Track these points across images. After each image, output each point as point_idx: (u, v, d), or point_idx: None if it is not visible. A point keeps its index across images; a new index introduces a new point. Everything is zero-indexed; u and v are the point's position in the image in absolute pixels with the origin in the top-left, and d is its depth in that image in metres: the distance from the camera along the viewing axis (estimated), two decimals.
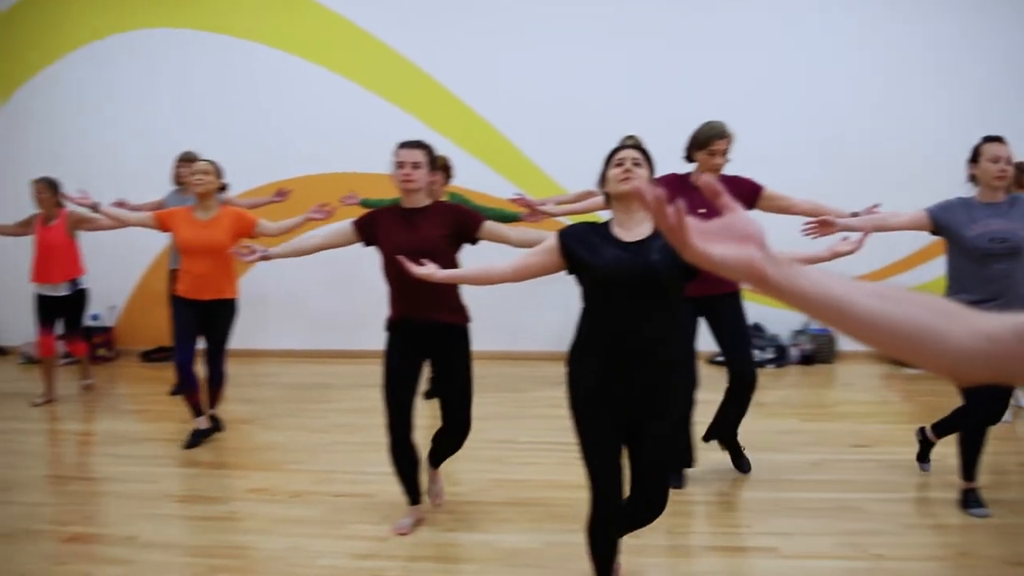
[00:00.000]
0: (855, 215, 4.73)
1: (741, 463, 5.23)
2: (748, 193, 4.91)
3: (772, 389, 5.83)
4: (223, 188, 5.87)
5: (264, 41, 8.70)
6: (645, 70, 8.22)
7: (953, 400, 6.62)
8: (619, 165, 3.28)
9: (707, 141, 4.82)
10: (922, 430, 5.17)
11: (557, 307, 8.19)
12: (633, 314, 3.16)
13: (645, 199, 1.18)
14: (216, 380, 6.06)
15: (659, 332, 3.20)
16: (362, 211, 4.64)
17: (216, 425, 6.20)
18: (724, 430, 5.19)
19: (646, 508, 3.38)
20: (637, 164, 3.27)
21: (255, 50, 8.71)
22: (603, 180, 3.36)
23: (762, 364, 7.83)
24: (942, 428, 5.03)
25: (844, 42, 8.10)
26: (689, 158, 4.92)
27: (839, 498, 4.82)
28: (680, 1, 8.25)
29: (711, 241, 1.21)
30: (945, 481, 4.97)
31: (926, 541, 4.29)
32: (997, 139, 4.46)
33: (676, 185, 4.77)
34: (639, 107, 7.92)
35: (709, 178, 1.17)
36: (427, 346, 4.37)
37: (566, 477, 5.02)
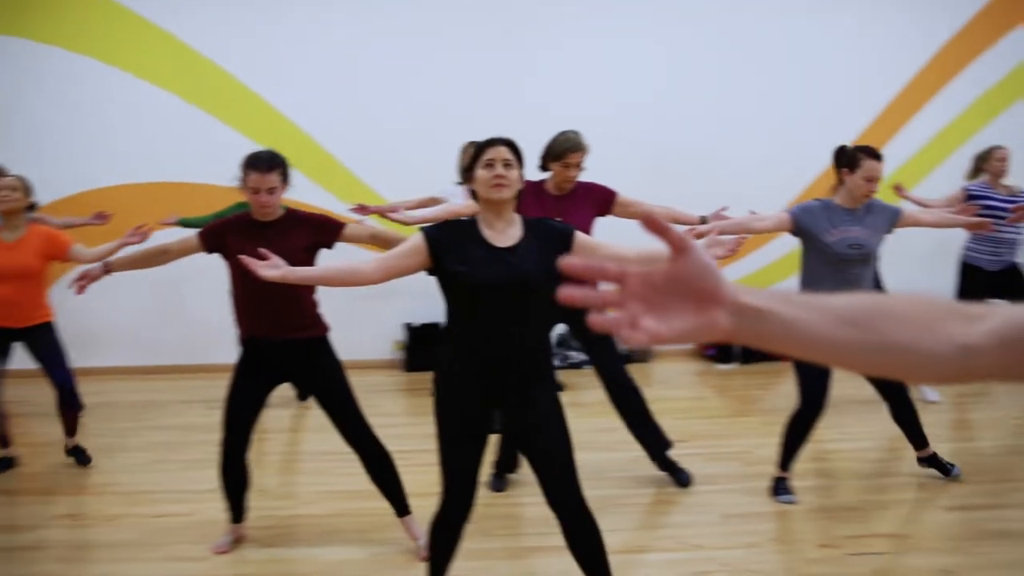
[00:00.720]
0: (703, 220, 4.78)
1: (679, 477, 5.09)
2: (603, 200, 4.87)
3: (591, 389, 5.95)
4: (32, 207, 5.47)
5: (59, 43, 8.26)
6: (466, 72, 8.20)
7: (767, 392, 6.94)
8: (489, 166, 3.13)
9: (562, 153, 4.76)
10: (920, 460, 5.17)
11: (381, 317, 8.15)
12: (503, 320, 3.10)
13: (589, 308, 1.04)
14: (67, 403, 5.55)
15: (529, 339, 3.17)
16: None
17: (80, 457, 5.76)
18: (652, 449, 5.12)
19: (568, 517, 3.31)
20: (508, 165, 3.14)
21: (49, 53, 8.25)
22: (469, 175, 3.22)
23: (579, 365, 7.96)
24: (915, 439, 5.09)
25: (663, 47, 8.34)
26: (544, 167, 4.87)
27: (658, 492, 4.96)
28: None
29: (665, 314, 1.05)
30: (760, 472, 5.18)
31: (743, 529, 4.46)
32: (878, 157, 4.57)
33: (531, 193, 4.67)
34: (462, 112, 7.90)
35: (648, 209, 1.08)
36: (283, 366, 4.17)
37: None
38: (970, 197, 6.47)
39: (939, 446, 5.21)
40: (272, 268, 3.29)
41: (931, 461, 5.14)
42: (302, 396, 7.05)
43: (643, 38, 8.27)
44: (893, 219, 4.69)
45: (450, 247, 3.12)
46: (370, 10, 8.20)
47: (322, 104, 8.21)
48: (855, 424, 6.13)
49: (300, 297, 4.06)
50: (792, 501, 4.79)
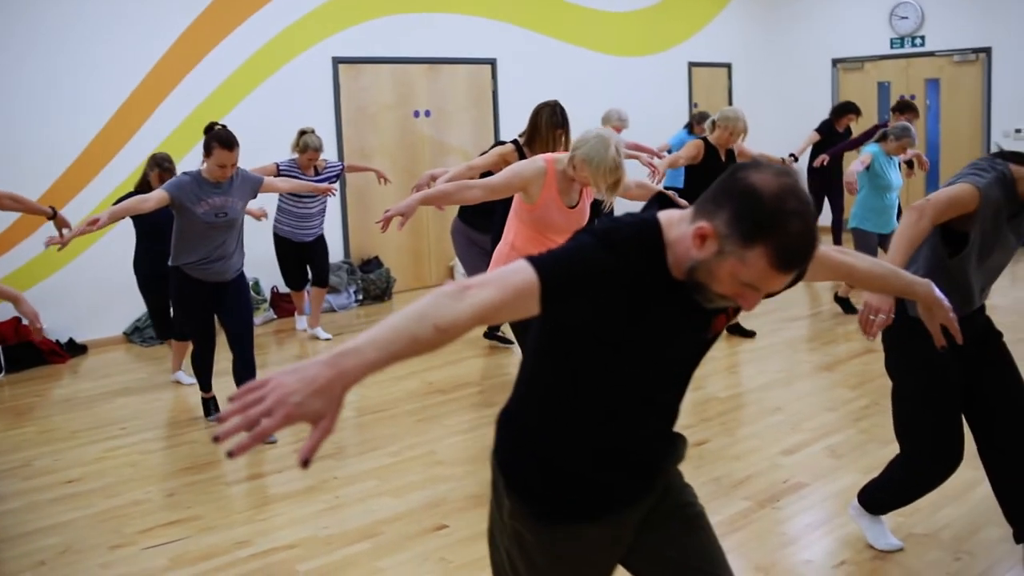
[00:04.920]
0: (53, 212, 5.23)
1: None
2: None
3: None
4: None
5: None
6: None
7: (42, 399, 6.54)
8: None
9: None
10: None
11: None
12: None
13: None
14: None
15: None
16: None
17: None
18: None
19: None
20: None
21: None
22: None
23: None
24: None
25: None
26: None
27: None
28: None
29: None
30: (42, 484, 4.92)
31: (27, 549, 4.15)
32: (230, 146, 5.11)
33: None
34: None
35: None
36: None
37: None
38: (280, 172, 7.23)
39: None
40: None
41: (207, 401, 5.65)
42: None
43: None
44: (255, 187, 5.45)
45: None
46: None
47: None
48: (108, 425, 6.03)
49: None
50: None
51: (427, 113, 10.10)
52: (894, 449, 4.87)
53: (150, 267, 6.51)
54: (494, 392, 6.21)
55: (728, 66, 13.14)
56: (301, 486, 4.75)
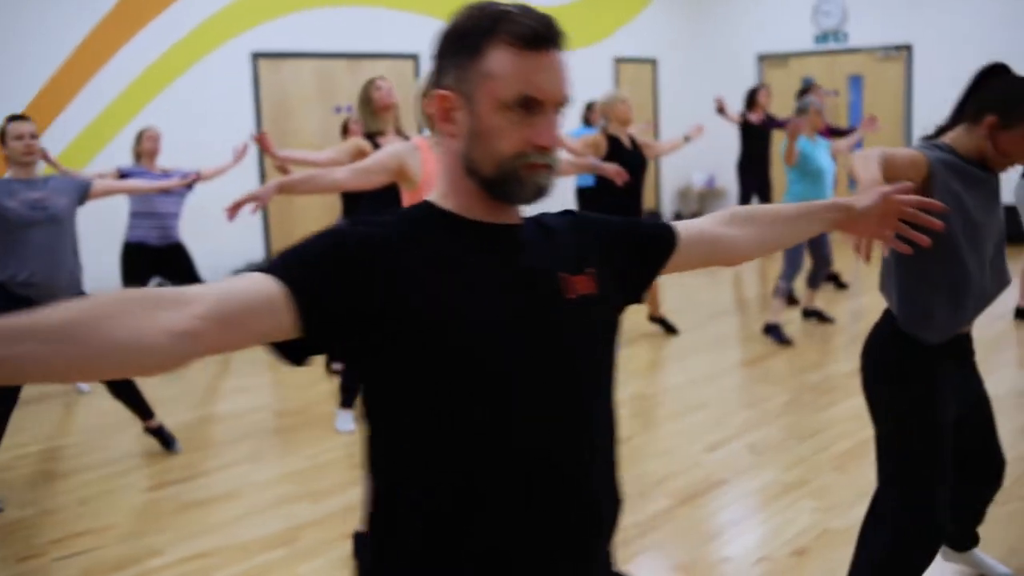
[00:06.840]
0: None
1: None
2: None
3: None
4: None
5: None
6: None
7: None
8: None
9: None
10: (147, 430, 5.24)
11: None
12: None
13: None
14: None
15: None
16: None
17: None
18: None
19: None
20: None
21: None
22: None
23: None
24: (139, 411, 5.14)
25: None
26: None
27: None
28: None
29: None
30: None
31: None
32: (20, 117, 4.63)
33: None
34: None
35: None
36: None
37: None
38: (122, 175, 6.70)
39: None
40: None
41: (158, 432, 5.24)
42: None
43: None
44: (81, 189, 4.85)
45: None
46: None
47: None
48: (16, 433, 5.76)
49: None
50: None
51: (348, 108, 9.98)
52: (811, 445, 4.97)
53: None
54: None
55: (654, 61, 13.20)
56: (216, 492, 4.65)
